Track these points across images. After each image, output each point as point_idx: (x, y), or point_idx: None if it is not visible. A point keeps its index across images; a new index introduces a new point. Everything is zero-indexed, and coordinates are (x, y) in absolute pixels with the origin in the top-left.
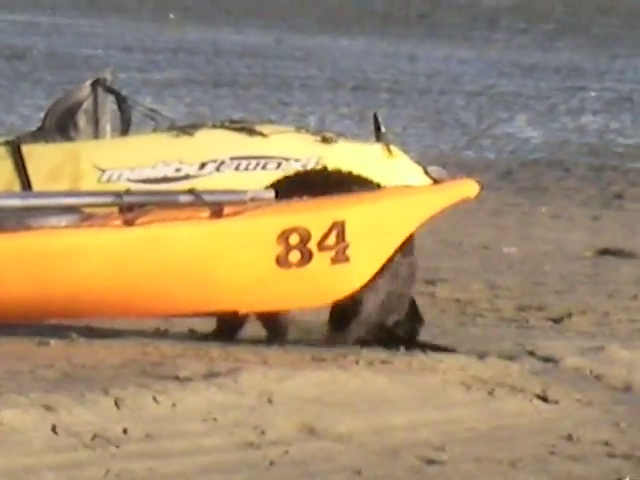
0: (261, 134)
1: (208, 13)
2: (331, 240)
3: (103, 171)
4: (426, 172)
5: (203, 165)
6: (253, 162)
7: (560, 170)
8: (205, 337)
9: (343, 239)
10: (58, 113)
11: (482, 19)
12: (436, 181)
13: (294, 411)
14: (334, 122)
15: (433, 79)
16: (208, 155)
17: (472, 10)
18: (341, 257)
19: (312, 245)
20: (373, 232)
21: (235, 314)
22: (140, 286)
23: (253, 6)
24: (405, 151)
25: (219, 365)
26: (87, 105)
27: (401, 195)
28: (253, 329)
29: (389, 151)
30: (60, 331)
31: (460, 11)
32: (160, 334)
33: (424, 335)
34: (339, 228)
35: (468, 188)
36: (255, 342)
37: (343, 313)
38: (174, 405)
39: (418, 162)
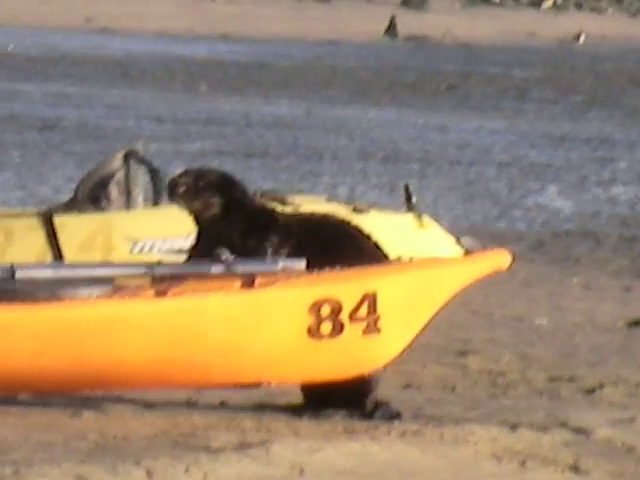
0: (292, 204)
1: (239, 85)
2: (363, 311)
3: (135, 242)
4: (458, 242)
5: None
6: None
7: (591, 241)
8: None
9: (374, 310)
10: (90, 184)
11: (512, 90)
12: (468, 252)
13: None
14: (365, 192)
15: (464, 150)
16: None
17: (502, 81)
18: (372, 328)
19: (344, 316)
20: (405, 303)
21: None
22: (172, 357)
23: (283, 78)
24: (436, 222)
25: (251, 436)
26: (119, 176)
27: (433, 266)
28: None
29: (420, 221)
30: (92, 402)
31: (490, 82)
32: (191, 405)
33: (456, 406)
34: (371, 299)
35: (500, 259)
36: (287, 413)
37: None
38: (206, 476)
39: (450, 232)
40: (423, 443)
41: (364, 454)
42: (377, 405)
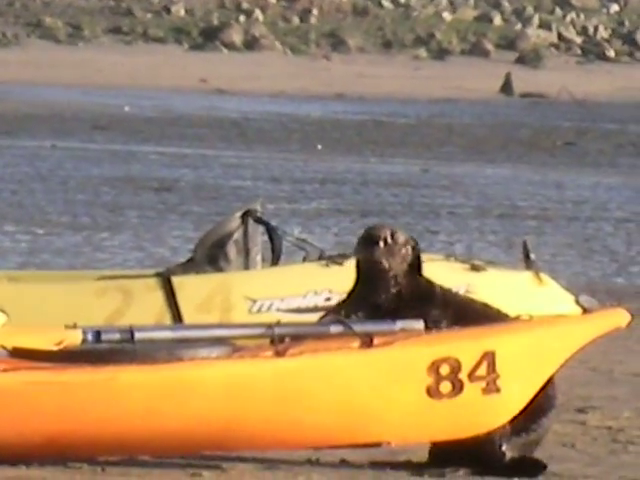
0: None
1: (355, 144)
2: (482, 371)
3: (254, 301)
4: (577, 301)
5: None
6: None
7: None
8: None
9: (494, 370)
10: (208, 244)
11: (629, 146)
12: (586, 310)
13: None
14: (482, 250)
15: (581, 206)
16: None
17: (618, 137)
18: (492, 388)
19: (463, 376)
20: (524, 363)
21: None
22: (291, 418)
23: (399, 136)
24: (554, 278)
25: None
26: (237, 236)
27: (552, 325)
28: None
29: (539, 279)
30: (212, 462)
31: (606, 138)
32: (312, 463)
33: (576, 462)
34: (490, 358)
35: (619, 318)
36: (408, 470)
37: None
38: None
39: (568, 290)
40: None
41: None
42: (502, 461)
